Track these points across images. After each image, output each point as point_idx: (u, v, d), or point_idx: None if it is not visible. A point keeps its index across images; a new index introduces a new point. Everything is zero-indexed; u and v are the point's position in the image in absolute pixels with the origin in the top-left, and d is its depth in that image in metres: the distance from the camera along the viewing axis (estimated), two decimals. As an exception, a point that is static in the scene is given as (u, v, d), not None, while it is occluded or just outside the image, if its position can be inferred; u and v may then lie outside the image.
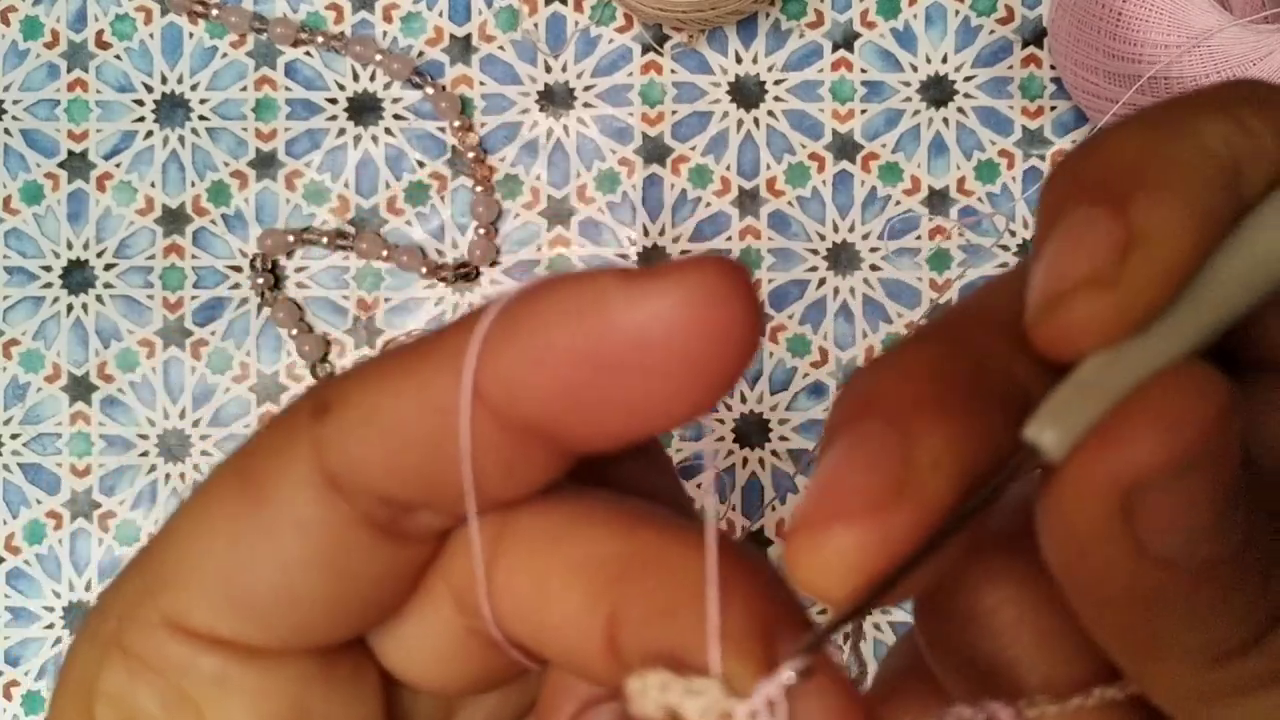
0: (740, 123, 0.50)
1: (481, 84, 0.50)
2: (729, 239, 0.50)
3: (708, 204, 0.50)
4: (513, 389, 0.13)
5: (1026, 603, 0.15)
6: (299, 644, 0.15)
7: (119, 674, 0.15)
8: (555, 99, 0.50)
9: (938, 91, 0.50)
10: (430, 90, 0.50)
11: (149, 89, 0.51)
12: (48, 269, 0.51)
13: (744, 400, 0.50)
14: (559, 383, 0.13)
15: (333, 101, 0.51)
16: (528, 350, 0.13)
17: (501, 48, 0.50)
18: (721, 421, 0.50)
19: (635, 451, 0.17)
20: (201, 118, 0.51)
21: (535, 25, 0.50)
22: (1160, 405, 0.12)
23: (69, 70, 0.51)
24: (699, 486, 0.50)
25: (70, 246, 0.51)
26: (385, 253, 0.50)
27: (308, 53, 0.51)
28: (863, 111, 0.50)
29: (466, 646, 0.16)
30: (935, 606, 0.16)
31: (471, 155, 0.50)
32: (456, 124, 0.50)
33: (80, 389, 0.50)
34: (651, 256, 0.50)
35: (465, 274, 0.50)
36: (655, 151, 0.50)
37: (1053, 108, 0.50)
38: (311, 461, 0.14)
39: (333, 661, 0.16)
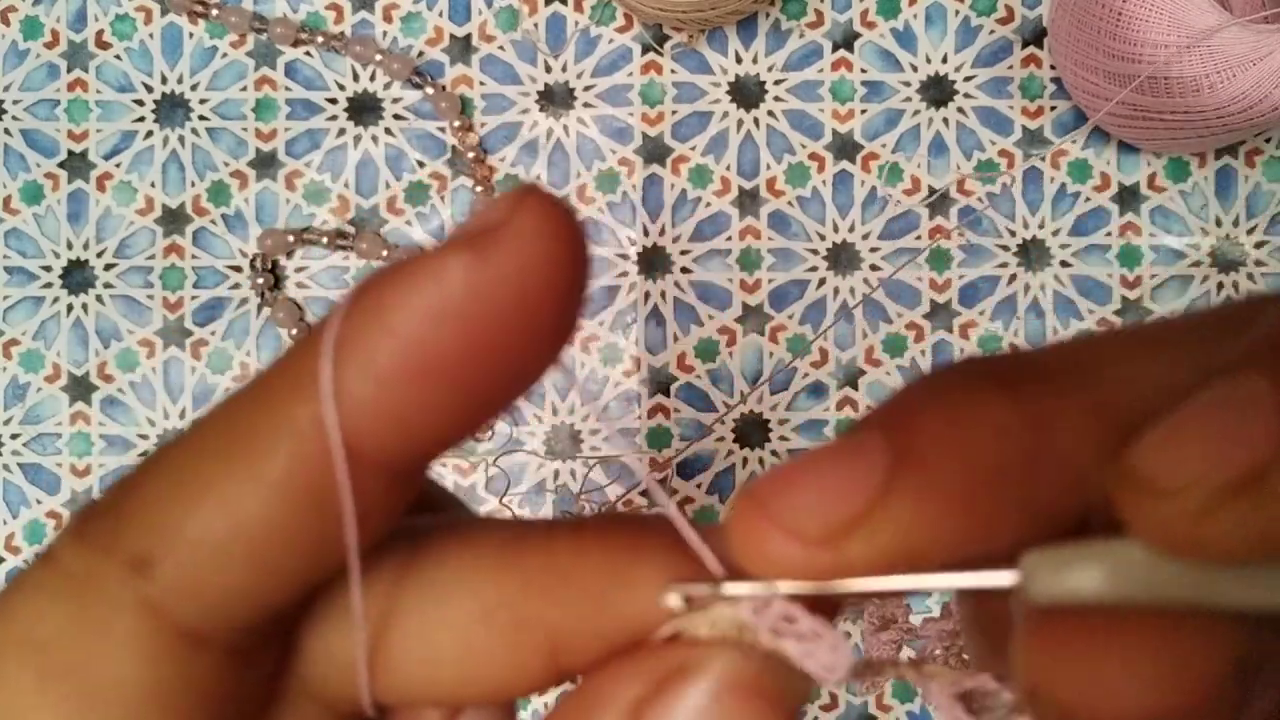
0: (740, 123, 0.50)
1: (481, 84, 0.50)
2: (729, 239, 0.50)
3: (708, 204, 0.50)
4: (390, 412, 0.12)
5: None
6: None
7: None
8: (555, 99, 0.50)
9: (937, 91, 0.50)
10: (430, 90, 0.50)
11: (149, 89, 0.51)
12: (48, 269, 0.51)
13: (744, 400, 0.50)
14: (435, 380, 0.12)
15: (333, 101, 0.51)
16: (397, 362, 0.12)
17: (501, 48, 0.50)
18: (722, 422, 0.50)
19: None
20: (201, 118, 0.51)
21: (535, 25, 0.50)
22: (1157, 655, 0.11)
23: (69, 70, 0.51)
24: (698, 486, 0.50)
25: (70, 246, 0.51)
26: (385, 253, 0.50)
27: (308, 53, 0.51)
28: (863, 111, 0.50)
29: None
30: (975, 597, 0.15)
31: (471, 155, 0.50)
32: (456, 124, 0.50)
33: (80, 389, 0.50)
34: (652, 257, 0.50)
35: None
36: (655, 151, 0.50)
37: (1053, 108, 0.50)
38: (146, 629, 0.12)
39: None
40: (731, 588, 0.13)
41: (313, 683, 0.14)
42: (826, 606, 0.13)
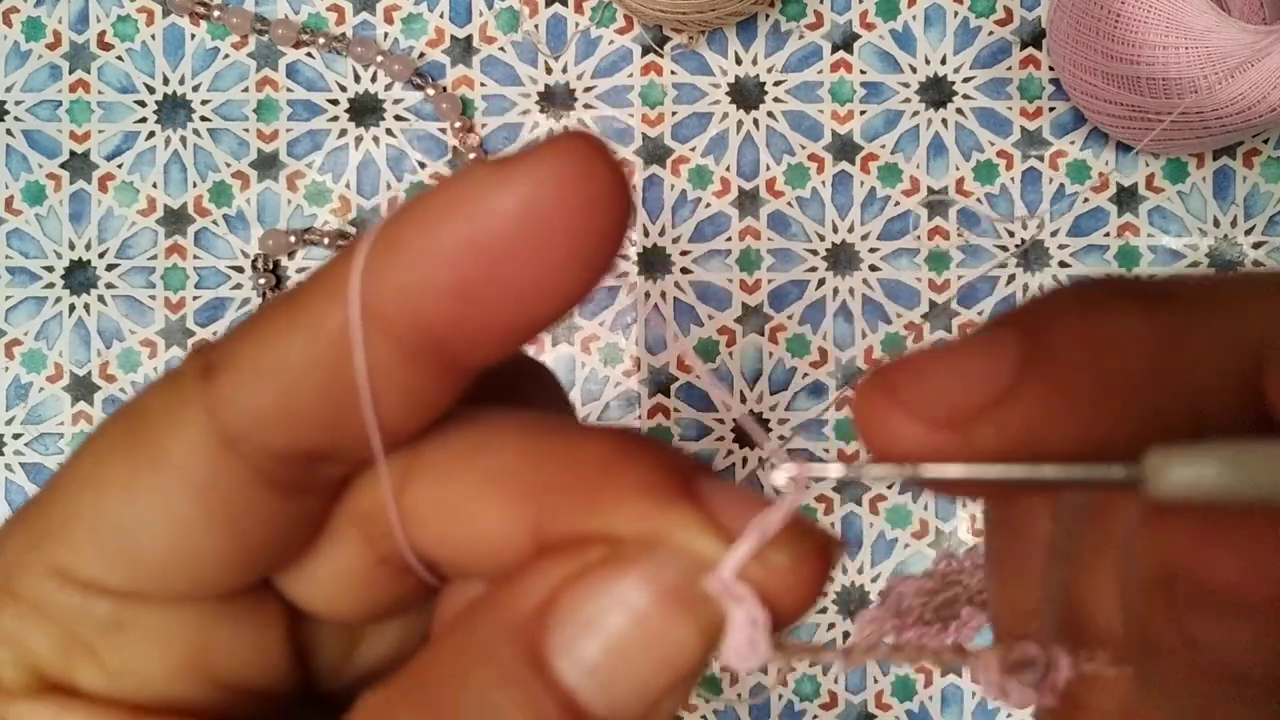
0: (740, 124, 0.50)
1: (482, 85, 0.51)
2: (729, 239, 0.50)
3: (707, 204, 0.50)
4: (405, 299, 0.13)
5: (1118, 550, 0.15)
6: (195, 595, 0.15)
7: (10, 617, 0.15)
8: (556, 100, 0.50)
9: (937, 92, 0.50)
10: (431, 91, 0.50)
11: (151, 90, 0.51)
12: (50, 269, 0.51)
13: (744, 400, 0.50)
14: (450, 281, 0.13)
15: (334, 102, 0.51)
16: (415, 255, 0.13)
17: (502, 49, 0.51)
18: (721, 421, 0.50)
19: (526, 376, 0.18)
20: (203, 118, 0.51)
21: (536, 26, 0.51)
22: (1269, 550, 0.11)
23: (71, 71, 0.51)
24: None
25: (72, 247, 0.51)
26: (386, 253, 0.50)
27: (309, 54, 0.51)
28: (862, 112, 0.50)
29: (374, 575, 0.16)
30: (1015, 522, 0.16)
31: (472, 156, 0.50)
32: (457, 125, 0.50)
33: (82, 389, 0.50)
34: (652, 257, 0.50)
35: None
36: (655, 152, 0.50)
37: (1051, 109, 0.50)
38: (204, 425, 0.14)
39: (233, 599, 0.16)
40: (871, 469, 0.13)
41: (365, 531, 0.15)
42: (785, 619, 0.13)
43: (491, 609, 0.14)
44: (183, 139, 0.51)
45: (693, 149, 0.50)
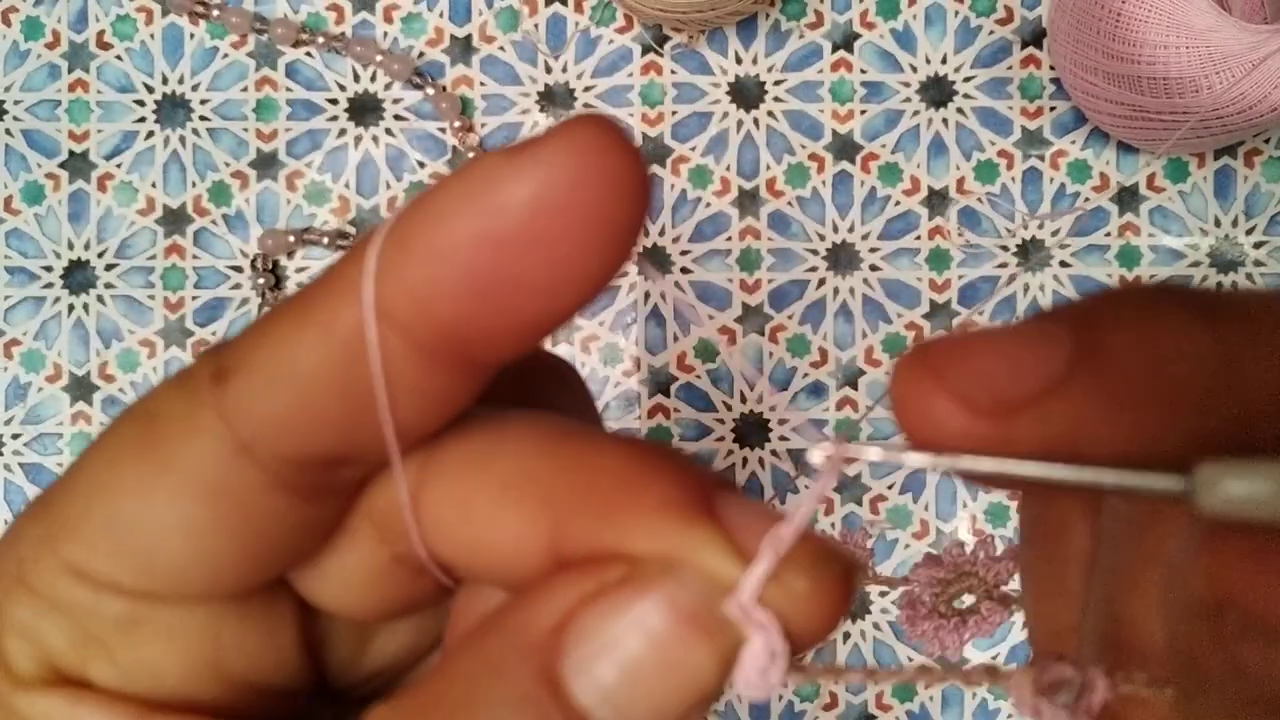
0: (740, 123, 0.50)
1: (482, 84, 0.51)
2: (729, 239, 0.50)
3: (708, 204, 0.50)
4: (419, 297, 0.13)
5: (1164, 569, 0.14)
6: (209, 596, 0.15)
7: (26, 610, 0.15)
8: (555, 99, 0.50)
9: (937, 92, 0.50)
10: (431, 91, 0.50)
11: (150, 89, 0.51)
12: (49, 269, 0.51)
13: (744, 400, 0.50)
14: (465, 277, 0.13)
15: (333, 102, 0.51)
16: (427, 252, 0.13)
17: (502, 48, 0.51)
18: (721, 421, 0.50)
19: (550, 376, 0.18)
20: (202, 118, 0.51)
21: (535, 26, 0.51)
22: None
23: (70, 71, 0.51)
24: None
25: (71, 247, 0.51)
26: (386, 253, 0.50)
27: (308, 53, 0.51)
28: (862, 112, 0.50)
29: (389, 574, 0.16)
30: (1052, 537, 0.16)
31: (472, 156, 0.50)
32: (457, 124, 0.50)
33: (81, 389, 0.50)
34: (652, 256, 0.50)
35: (466, 274, 0.50)
36: (655, 152, 0.50)
37: (1052, 108, 0.50)
38: (217, 430, 0.14)
39: (248, 597, 0.16)
40: (910, 455, 0.13)
41: (381, 530, 0.15)
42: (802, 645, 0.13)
43: (507, 626, 0.13)
44: (182, 139, 0.51)
45: (693, 148, 0.50)
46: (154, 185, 0.51)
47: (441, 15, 0.51)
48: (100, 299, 0.50)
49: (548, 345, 0.52)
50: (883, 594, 0.50)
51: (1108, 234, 0.50)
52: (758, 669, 0.13)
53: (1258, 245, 0.50)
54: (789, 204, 0.50)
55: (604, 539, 0.13)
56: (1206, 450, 0.12)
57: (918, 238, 0.50)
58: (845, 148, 0.50)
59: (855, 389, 0.50)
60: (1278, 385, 0.12)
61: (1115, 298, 0.13)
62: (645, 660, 0.13)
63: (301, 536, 0.15)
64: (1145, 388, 0.12)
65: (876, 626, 0.49)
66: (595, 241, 0.13)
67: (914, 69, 0.50)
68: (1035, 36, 0.50)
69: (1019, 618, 0.17)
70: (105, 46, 0.51)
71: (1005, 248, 0.50)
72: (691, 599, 0.13)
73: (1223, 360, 0.12)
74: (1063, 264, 0.50)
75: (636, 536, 0.13)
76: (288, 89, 0.51)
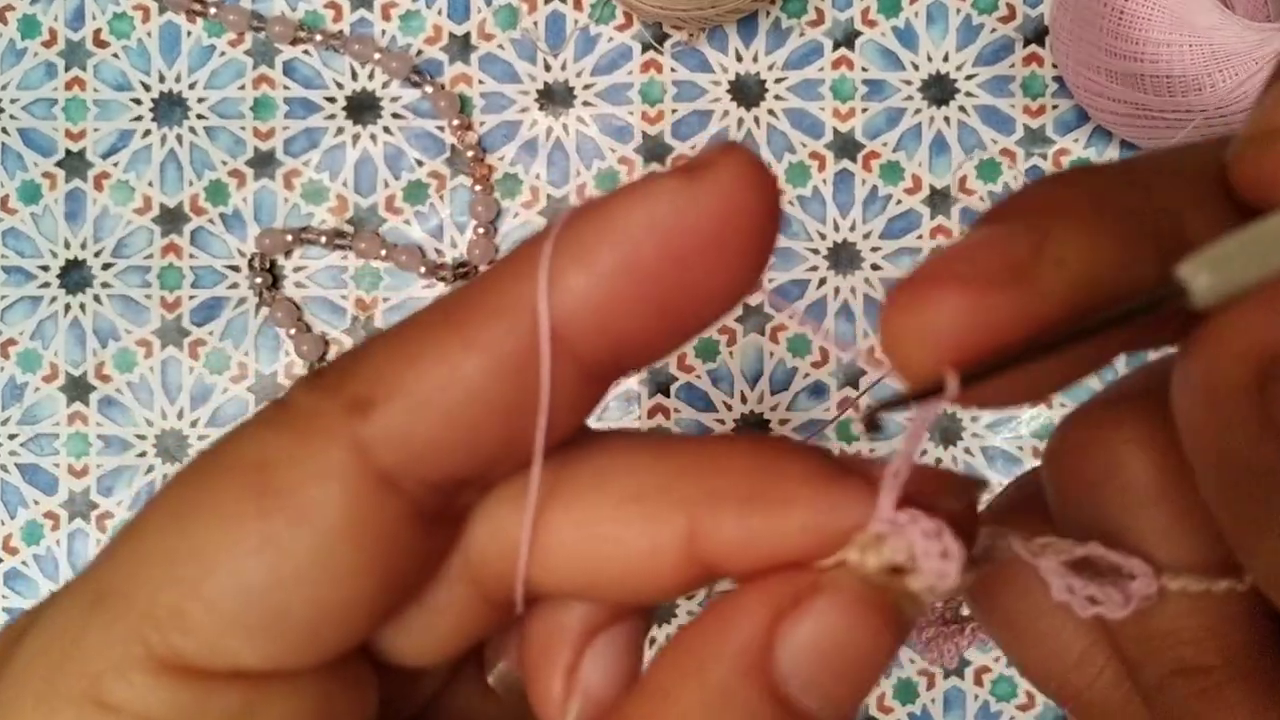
0: (740, 121, 0.50)
1: (480, 82, 0.50)
2: (729, 238, 0.50)
3: (708, 203, 0.50)
4: (600, 311, 0.13)
5: (1170, 481, 0.15)
6: (337, 652, 0.14)
7: None
8: (555, 98, 0.50)
9: (939, 90, 0.50)
10: (429, 89, 0.50)
11: (147, 88, 0.50)
12: (45, 268, 0.50)
13: (744, 400, 0.50)
14: (647, 290, 0.13)
15: (331, 100, 0.50)
16: (612, 262, 0.13)
17: (501, 46, 0.50)
18: (722, 421, 0.50)
19: None
20: (199, 116, 0.50)
21: (535, 23, 0.50)
22: None
23: (67, 69, 0.51)
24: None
25: (68, 246, 0.50)
26: (384, 252, 0.49)
27: (306, 51, 0.50)
28: (864, 110, 0.50)
29: (469, 614, 0.16)
30: (1072, 458, 0.16)
31: (470, 154, 0.50)
32: (455, 123, 0.50)
33: (78, 389, 0.50)
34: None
35: (464, 273, 0.50)
36: (655, 150, 0.50)
37: (1054, 106, 0.50)
38: (355, 466, 0.13)
39: (346, 663, 0.15)
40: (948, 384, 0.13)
41: (474, 564, 0.15)
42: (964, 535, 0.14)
43: (715, 643, 0.14)
44: (179, 137, 0.50)
45: (693, 147, 0.50)
46: (151, 184, 0.50)
47: (440, 13, 0.50)
48: (97, 298, 0.50)
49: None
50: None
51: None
52: (936, 571, 0.13)
53: (1261, 244, 0.50)
54: (789, 203, 0.50)
55: (753, 526, 0.14)
56: (1168, 258, 0.13)
57: (919, 237, 0.50)
58: (846, 146, 0.50)
59: (856, 389, 0.50)
60: (1189, 190, 0.13)
61: (1045, 184, 0.14)
62: (848, 652, 0.14)
63: (423, 570, 0.15)
64: (1103, 216, 0.13)
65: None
66: (750, 259, 0.14)
67: (916, 67, 0.50)
68: (1038, 34, 0.50)
69: None
70: (102, 45, 0.51)
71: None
72: (867, 588, 0.14)
73: (1136, 189, 0.13)
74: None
75: (787, 513, 0.14)
76: (285, 87, 0.50)
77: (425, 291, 0.50)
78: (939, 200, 0.50)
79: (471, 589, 0.15)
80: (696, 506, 0.14)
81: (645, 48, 0.50)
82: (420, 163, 0.50)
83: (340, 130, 0.50)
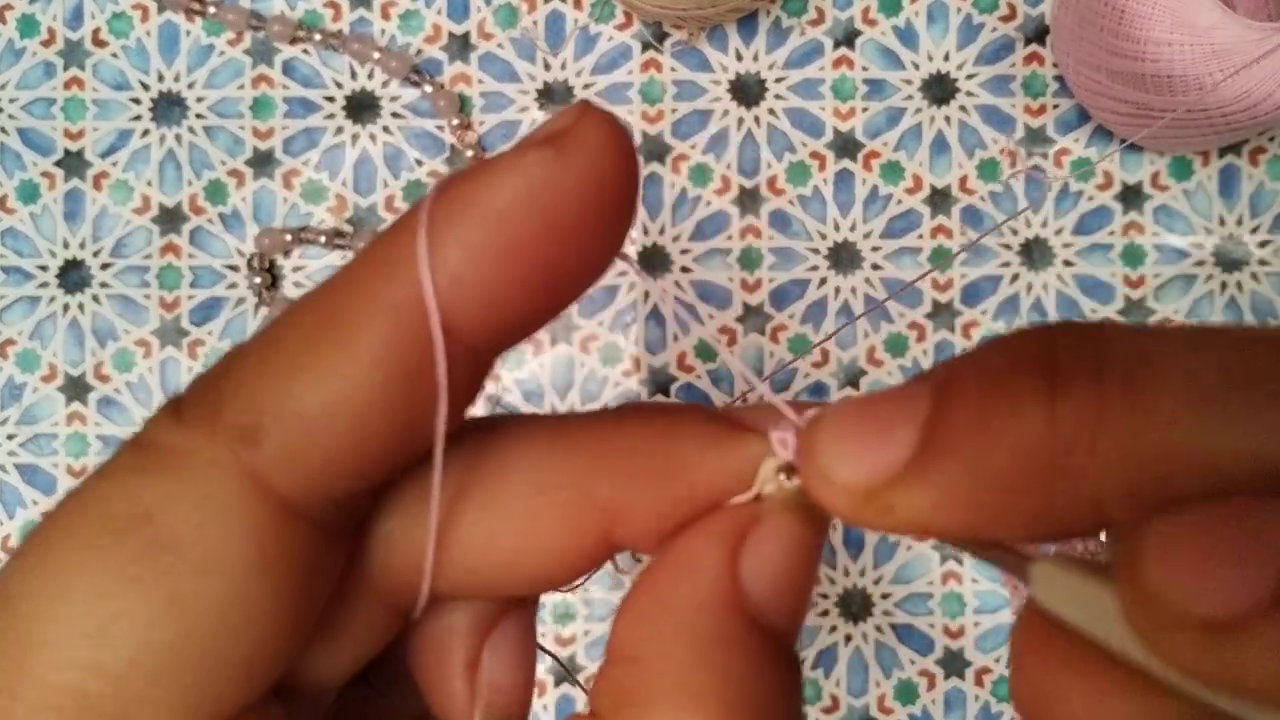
0: (741, 121, 0.50)
1: (480, 82, 0.50)
2: (729, 238, 0.50)
3: (708, 202, 0.50)
4: (482, 287, 0.13)
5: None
6: (260, 694, 0.13)
7: None
8: (554, 97, 0.50)
9: (939, 89, 0.50)
10: (429, 88, 0.50)
11: (146, 87, 0.50)
12: (44, 268, 0.50)
13: (744, 400, 0.50)
14: (520, 263, 0.13)
15: (330, 100, 0.50)
16: (489, 239, 0.13)
17: (500, 45, 0.50)
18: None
19: None
20: (198, 116, 0.50)
21: (534, 23, 0.50)
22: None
23: (65, 68, 0.50)
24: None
25: (66, 246, 0.50)
26: (383, 252, 0.49)
27: (305, 50, 0.50)
28: (864, 110, 0.50)
29: (371, 629, 0.15)
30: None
31: (470, 153, 0.50)
32: (455, 122, 0.50)
33: (77, 389, 0.50)
34: (652, 256, 0.50)
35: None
36: (655, 150, 0.50)
37: (1055, 105, 0.50)
38: (253, 499, 0.13)
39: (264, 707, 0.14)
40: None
41: (377, 573, 0.15)
42: None
43: (688, 592, 0.14)
44: (178, 137, 0.50)
45: (693, 146, 0.50)
46: (150, 184, 0.50)
47: (439, 12, 0.50)
48: (96, 298, 0.50)
49: (546, 345, 0.51)
50: (884, 596, 0.49)
51: (1111, 233, 0.50)
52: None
53: (1262, 244, 0.50)
54: (790, 202, 0.50)
55: (667, 500, 0.14)
56: (1049, 531, 0.12)
57: (919, 236, 0.50)
58: (847, 146, 0.50)
59: (856, 389, 0.50)
60: (1123, 479, 0.12)
61: (976, 360, 0.13)
62: (798, 564, 0.14)
63: (328, 590, 0.14)
64: (982, 474, 0.12)
65: (879, 629, 0.49)
66: (619, 224, 0.14)
67: (916, 66, 0.50)
68: (1038, 33, 0.50)
69: None
70: (101, 44, 0.50)
71: (1008, 247, 0.50)
72: (795, 495, 0.14)
73: (1062, 447, 0.12)
74: (1066, 263, 0.50)
75: (696, 479, 0.14)
76: (284, 86, 0.50)
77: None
78: (939, 200, 0.50)
79: (374, 599, 0.15)
80: (609, 493, 0.14)
81: (645, 47, 0.50)
82: (420, 162, 0.50)
83: (340, 130, 0.50)
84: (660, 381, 0.50)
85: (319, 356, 0.13)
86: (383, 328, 0.13)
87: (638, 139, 0.50)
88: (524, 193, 0.13)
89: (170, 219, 0.50)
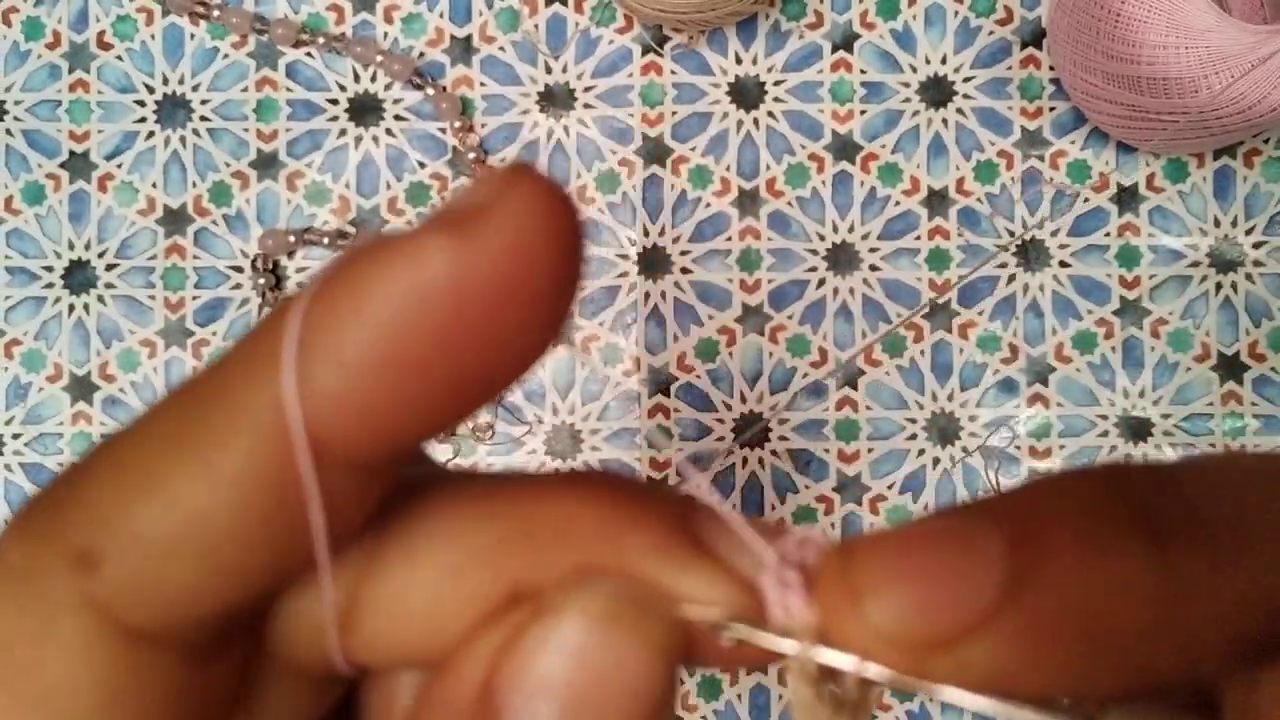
0: (740, 123, 0.50)
1: (482, 85, 0.51)
2: (729, 239, 0.50)
3: (707, 204, 0.50)
4: (361, 404, 0.11)
5: None
6: None
7: None
8: (555, 100, 0.50)
9: (937, 92, 0.50)
10: (431, 91, 0.50)
11: (150, 90, 0.51)
12: (49, 269, 0.51)
13: (744, 400, 0.50)
14: (411, 371, 0.11)
15: (334, 102, 0.51)
16: (367, 350, 0.11)
17: (502, 48, 0.51)
18: (721, 421, 0.50)
19: None
20: (203, 118, 0.51)
21: (536, 26, 0.51)
22: None
23: (70, 71, 0.51)
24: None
25: (72, 247, 0.51)
26: (386, 253, 0.50)
27: (309, 54, 0.51)
28: (862, 112, 0.50)
29: (300, 700, 0.14)
30: None
31: (472, 156, 0.50)
32: (457, 125, 0.50)
33: (82, 389, 0.50)
34: (652, 257, 0.50)
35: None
36: (655, 152, 0.50)
37: (1052, 108, 0.50)
38: (94, 630, 0.11)
39: None
40: (825, 654, 0.12)
41: (285, 652, 0.13)
42: None
43: (439, 701, 0.12)
44: (182, 139, 0.51)
45: (693, 149, 0.50)
46: (154, 185, 0.51)
47: (442, 15, 0.51)
48: (101, 299, 0.50)
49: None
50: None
51: (1107, 234, 0.50)
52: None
53: (1257, 245, 0.50)
54: (789, 204, 0.50)
55: (565, 581, 0.13)
56: (1140, 691, 0.11)
57: (917, 238, 0.50)
58: (845, 148, 0.50)
59: (855, 389, 0.50)
60: (1230, 634, 0.11)
61: (1055, 508, 0.11)
62: (581, 681, 0.12)
63: (224, 695, 0.13)
64: (1079, 628, 0.11)
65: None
66: (550, 305, 0.11)
67: (914, 69, 0.50)
68: (1035, 37, 0.50)
69: None
70: (106, 47, 0.51)
71: (1005, 248, 0.50)
72: (603, 601, 0.12)
73: (1167, 604, 0.11)
74: (1062, 264, 0.50)
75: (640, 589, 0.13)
76: (288, 89, 0.51)
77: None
78: (937, 201, 0.50)
79: (293, 676, 0.14)
80: (520, 573, 0.13)
81: (645, 50, 0.50)
82: (422, 164, 0.50)
83: (343, 132, 0.51)
84: (660, 381, 0.50)
85: (170, 475, 0.11)
86: (244, 444, 0.11)
87: (638, 141, 0.50)
88: (414, 296, 0.11)
89: (175, 220, 0.51)
